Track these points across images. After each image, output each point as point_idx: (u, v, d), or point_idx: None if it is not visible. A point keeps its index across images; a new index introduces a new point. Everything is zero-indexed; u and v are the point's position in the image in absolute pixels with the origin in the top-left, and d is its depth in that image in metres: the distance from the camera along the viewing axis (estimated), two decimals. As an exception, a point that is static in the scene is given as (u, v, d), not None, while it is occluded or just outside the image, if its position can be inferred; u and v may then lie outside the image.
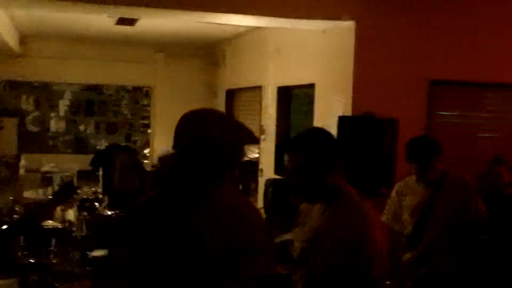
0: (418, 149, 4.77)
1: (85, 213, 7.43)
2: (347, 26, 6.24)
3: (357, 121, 5.91)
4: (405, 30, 6.28)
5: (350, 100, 6.20)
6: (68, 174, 10.25)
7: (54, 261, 5.03)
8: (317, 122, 7.00)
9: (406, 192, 4.92)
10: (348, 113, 6.16)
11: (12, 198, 6.52)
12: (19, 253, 5.26)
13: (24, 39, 10.51)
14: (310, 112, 7.39)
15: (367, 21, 6.18)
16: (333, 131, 6.25)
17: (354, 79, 6.16)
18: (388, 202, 5.03)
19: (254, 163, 9.02)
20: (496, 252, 5.15)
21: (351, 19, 6.18)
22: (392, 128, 5.82)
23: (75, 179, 8.50)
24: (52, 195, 3.77)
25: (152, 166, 10.46)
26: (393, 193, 5.02)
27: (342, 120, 5.92)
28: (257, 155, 8.92)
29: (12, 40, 9.33)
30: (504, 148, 6.43)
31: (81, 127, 11.17)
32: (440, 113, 6.56)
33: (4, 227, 3.67)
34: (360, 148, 5.75)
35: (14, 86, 10.96)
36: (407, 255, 4.79)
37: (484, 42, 6.43)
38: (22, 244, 5.31)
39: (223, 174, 2.45)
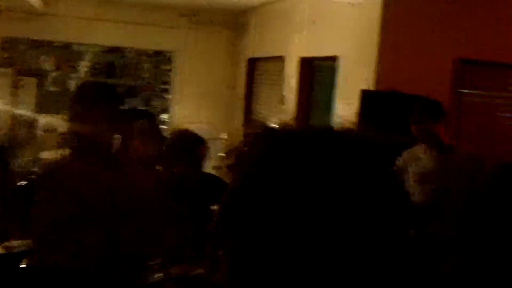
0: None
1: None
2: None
3: (380, 96, 5.83)
4: (433, 7, 6.17)
5: (374, 75, 6.12)
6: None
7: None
8: (340, 96, 6.94)
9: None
10: (372, 87, 6.09)
11: (31, 158, 6.55)
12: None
13: (47, -2, 10.48)
14: (332, 85, 7.32)
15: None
16: (356, 105, 6.20)
17: (379, 54, 6.08)
18: None
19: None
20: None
21: (379, -8, 6.08)
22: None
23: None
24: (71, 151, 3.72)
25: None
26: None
27: (365, 94, 5.85)
28: (276, 126, 8.85)
29: (35, -1, 9.28)
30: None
31: (101, 90, 11.15)
32: (466, 91, 6.47)
33: (23, 183, 3.66)
34: (382, 124, 5.68)
35: (35, 45, 10.92)
36: None
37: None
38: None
39: None
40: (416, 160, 4.86)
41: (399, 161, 4.91)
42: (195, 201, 4.46)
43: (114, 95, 2.93)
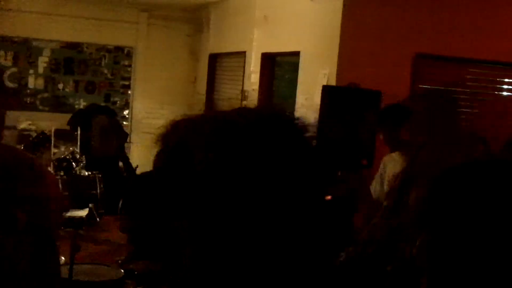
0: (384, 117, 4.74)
1: (62, 173, 7.36)
2: (336, -5, 6.18)
3: (340, 91, 5.86)
4: (393, 2, 6.23)
5: (335, 70, 6.16)
6: (46, 132, 10.15)
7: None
8: (301, 91, 6.96)
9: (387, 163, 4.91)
10: (332, 83, 6.12)
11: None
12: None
13: (4, -8, 10.33)
14: (293, 80, 7.34)
15: (356, -9, 6.12)
16: (316, 100, 6.23)
17: (340, 49, 6.11)
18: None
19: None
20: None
21: (340, -13, 6.12)
22: (375, 100, 5.78)
23: (52, 139, 8.39)
24: (23, 146, 3.68)
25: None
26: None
27: (326, 89, 5.86)
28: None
29: (-8, -7, 9.15)
30: (481, 125, 6.45)
31: (60, 85, 11.02)
32: (424, 87, 6.54)
33: None
34: (342, 119, 5.72)
35: (-7, 40, 10.78)
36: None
37: (470, 18, 6.41)
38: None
39: None
40: (392, 162, 4.89)
41: (381, 165, 4.95)
42: None
43: None
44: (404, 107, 4.98)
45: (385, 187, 4.84)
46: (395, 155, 4.86)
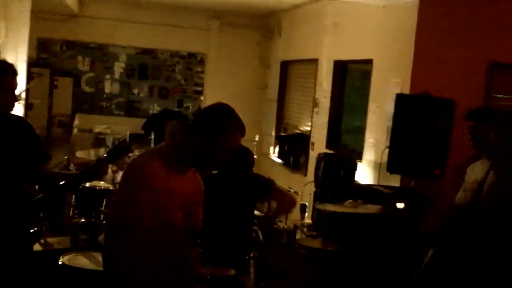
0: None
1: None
2: (410, 2, 6.13)
3: (414, 100, 5.83)
4: (468, 11, 6.14)
5: (408, 78, 6.12)
6: (120, 136, 10.38)
7: (104, 221, 5.10)
8: (373, 99, 6.93)
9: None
10: (405, 91, 6.09)
11: (66, 157, 6.63)
12: (71, 213, 5.37)
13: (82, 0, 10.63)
14: (364, 88, 7.32)
15: (431, -1, 6.08)
16: (389, 108, 6.20)
17: (414, 57, 6.07)
18: None
19: (305, 136, 8.98)
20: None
21: (414, -5, 6.08)
22: (449, 109, 5.72)
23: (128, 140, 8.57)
24: (106, 153, 3.80)
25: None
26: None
27: (399, 98, 5.84)
28: (308, 128, 8.88)
29: (71, 0, 9.41)
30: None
31: (135, 90, 11.25)
32: (498, 95, 6.43)
33: (61, 183, 3.73)
34: (415, 128, 5.68)
35: (71, 46, 11.06)
36: None
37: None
38: (73, 203, 5.42)
39: None
40: (474, 170, 4.82)
41: (466, 175, 4.88)
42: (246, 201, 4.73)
43: None
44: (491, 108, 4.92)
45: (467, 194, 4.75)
46: (479, 164, 4.79)
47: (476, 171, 4.68)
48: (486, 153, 4.60)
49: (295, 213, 6.08)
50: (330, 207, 5.35)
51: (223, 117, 2.92)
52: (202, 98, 11.50)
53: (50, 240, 4.61)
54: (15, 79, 3.56)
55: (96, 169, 3.83)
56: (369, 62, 7.04)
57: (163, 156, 2.90)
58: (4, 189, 3.51)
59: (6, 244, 3.51)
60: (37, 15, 8.95)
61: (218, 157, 2.94)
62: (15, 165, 3.56)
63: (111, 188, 5.89)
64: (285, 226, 6.91)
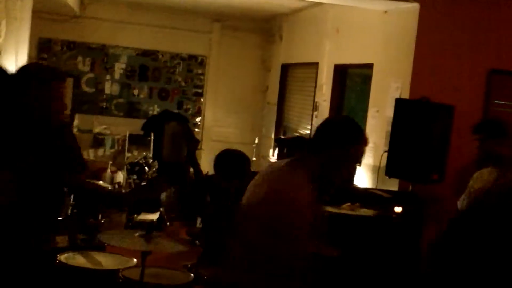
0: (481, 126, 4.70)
1: (134, 177, 7.53)
2: (411, 8, 6.16)
3: (413, 104, 5.84)
4: (468, 17, 6.16)
5: (408, 83, 6.13)
6: (119, 136, 10.40)
7: (102, 221, 5.12)
8: (373, 103, 6.95)
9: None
10: (405, 96, 6.10)
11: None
12: (69, 212, 5.38)
13: (84, 0, 10.63)
14: (364, 92, 7.33)
15: (431, 5, 6.09)
16: (388, 113, 6.22)
17: (414, 62, 6.08)
18: None
19: (304, 140, 8.97)
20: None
21: (415, 1, 6.09)
22: (448, 114, 5.74)
23: (126, 143, 8.60)
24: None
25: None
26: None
27: (398, 103, 5.86)
28: (308, 132, 8.89)
29: (72, 1, 9.42)
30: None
31: (135, 92, 11.26)
32: (497, 102, 6.45)
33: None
34: (414, 133, 5.70)
35: (71, 46, 11.06)
36: None
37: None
38: (71, 203, 5.43)
39: None
40: (480, 177, 4.82)
41: (470, 181, 4.90)
42: None
43: None
44: (502, 123, 4.93)
45: (472, 201, 4.75)
46: (486, 171, 4.80)
47: (483, 178, 4.69)
48: (493, 164, 4.62)
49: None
50: (328, 210, 5.36)
51: (353, 125, 3.01)
52: (202, 100, 11.50)
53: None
54: (64, 86, 3.53)
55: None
56: (369, 66, 7.05)
57: (309, 178, 2.86)
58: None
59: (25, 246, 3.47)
60: (38, 15, 8.97)
61: (348, 169, 2.95)
62: (56, 177, 3.49)
63: (109, 188, 5.90)
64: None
